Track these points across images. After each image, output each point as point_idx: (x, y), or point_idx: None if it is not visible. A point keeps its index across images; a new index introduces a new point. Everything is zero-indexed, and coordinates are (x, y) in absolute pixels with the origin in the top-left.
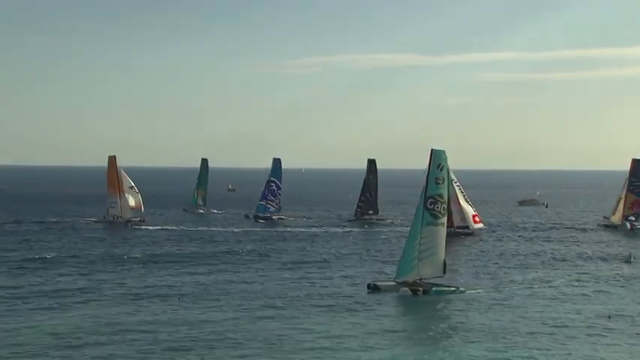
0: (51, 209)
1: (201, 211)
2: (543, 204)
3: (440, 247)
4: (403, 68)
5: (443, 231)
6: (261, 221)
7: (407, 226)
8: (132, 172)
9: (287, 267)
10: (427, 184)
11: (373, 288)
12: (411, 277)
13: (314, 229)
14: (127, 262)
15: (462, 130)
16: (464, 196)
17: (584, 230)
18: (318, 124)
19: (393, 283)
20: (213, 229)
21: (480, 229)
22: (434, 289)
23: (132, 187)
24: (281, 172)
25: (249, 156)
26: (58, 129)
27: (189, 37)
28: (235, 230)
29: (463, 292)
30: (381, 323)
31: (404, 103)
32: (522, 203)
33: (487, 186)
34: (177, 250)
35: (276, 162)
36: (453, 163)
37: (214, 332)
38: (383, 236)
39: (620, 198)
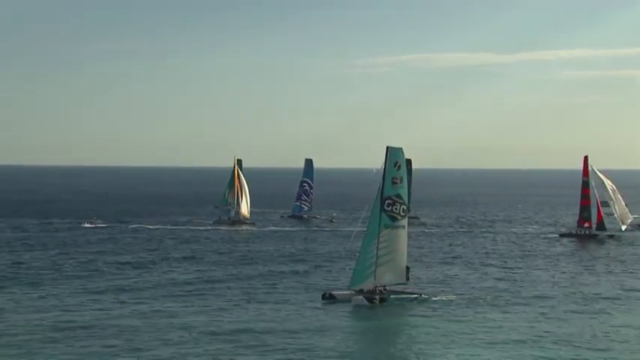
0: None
1: (231, 208)
2: None
3: (400, 252)
4: (476, 67)
5: (403, 234)
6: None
7: (438, 226)
8: (210, 171)
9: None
10: (383, 184)
11: (329, 297)
12: (367, 285)
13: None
14: None
15: (536, 129)
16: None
17: None
18: (388, 123)
19: (351, 292)
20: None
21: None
22: (392, 296)
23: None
24: (313, 172)
25: (319, 155)
26: (134, 129)
27: (261, 37)
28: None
29: (427, 299)
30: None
31: (477, 103)
32: None
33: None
34: None
35: (308, 162)
36: (522, 162)
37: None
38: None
39: None
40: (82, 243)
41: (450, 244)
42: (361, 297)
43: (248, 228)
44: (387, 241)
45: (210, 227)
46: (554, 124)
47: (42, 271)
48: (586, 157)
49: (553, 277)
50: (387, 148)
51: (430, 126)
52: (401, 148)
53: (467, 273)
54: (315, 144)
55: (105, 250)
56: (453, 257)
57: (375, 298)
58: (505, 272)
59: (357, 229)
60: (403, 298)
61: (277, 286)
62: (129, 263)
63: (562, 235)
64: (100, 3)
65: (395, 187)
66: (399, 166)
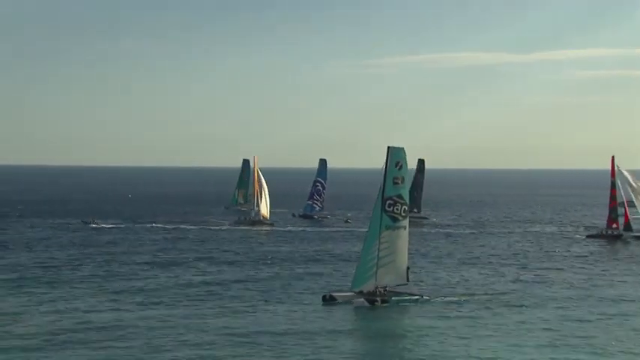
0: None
1: (243, 208)
2: None
3: (401, 253)
4: (489, 67)
5: (404, 234)
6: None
7: (451, 226)
8: (227, 171)
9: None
10: (384, 184)
11: (329, 299)
12: (368, 287)
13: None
14: None
15: (552, 128)
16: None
17: None
18: (402, 123)
19: (351, 294)
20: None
21: None
22: (394, 298)
23: (266, 192)
24: (326, 173)
25: (335, 155)
26: (155, 130)
27: (274, 38)
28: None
29: (427, 300)
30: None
31: (490, 103)
32: None
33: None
34: None
35: (322, 162)
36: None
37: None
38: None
39: None
40: (99, 243)
41: (470, 245)
42: (362, 299)
43: (267, 228)
44: (388, 242)
45: (230, 227)
46: (567, 123)
47: (60, 272)
48: (613, 157)
49: (572, 278)
50: (388, 148)
51: (444, 126)
52: (402, 148)
53: (484, 274)
54: (329, 144)
55: (121, 251)
56: (472, 258)
57: (377, 300)
58: (524, 273)
59: None
60: (404, 300)
61: (289, 286)
62: (146, 263)
63: (589, 237)
64: (110, 3)
65: (396, 188)
66: (401, 166)
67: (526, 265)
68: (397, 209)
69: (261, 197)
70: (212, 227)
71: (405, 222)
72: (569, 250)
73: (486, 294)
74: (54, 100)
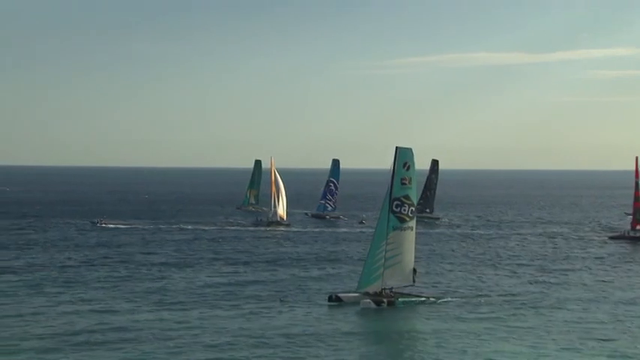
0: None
1: (253, 209)
2: None
3: (408, 254)
4: (510, 67)
5: (411, 235)
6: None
7: (465, 227)
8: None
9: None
10: (392, 185)
11: (335, 300)
12: (374, 288)
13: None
14: None
15: (572, 129)
16: None
17: None
18: (420, 124)
19: (357, 295)
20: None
21: None
22: (400, 299)
23: (282, 194)
24: (339, 173)
25: (349, 156)
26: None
27: (292, 37)
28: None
29: (434, 302)
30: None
31: (511, 103)
32: None
33: None
34: None
35: (335, 163)
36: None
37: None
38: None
39: None
40: (115, 244)
41: (485, 246)
42: (369, 300)
43: (284, 229)
44: (395, 243)
45: (247, 228)
46: (587, 124)
47: (77, 272)
48: (637, 158)
49: (591, 280)
50: (396, 148)
51: (461, 127)
52: (410, 149)
53: (499, 275)
54: (346, 145)
55: (137, 252)
56: (486, 259)
57: (383, 301)
58: (541, 275)
59: None
60: (411, 301)
61: (305, 287)
62: (163, 264)
63: (612, 238)
64: (125, 5)
65: (404, 188)
66: (408, 167)
67: (544, 267)
68: (404, 210)
69: (278, 198)
70: (229, 228)
71: (412, 223)
72: (589, 252)
73: (500, 295)
74: (70, 101)
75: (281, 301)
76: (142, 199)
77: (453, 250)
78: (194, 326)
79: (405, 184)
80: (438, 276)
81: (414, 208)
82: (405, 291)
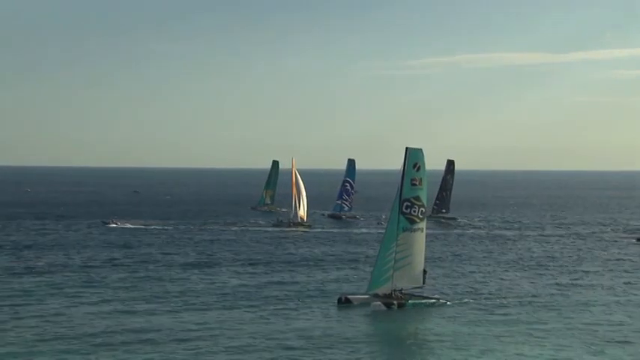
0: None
1: (268, 209)
2: None
3: (418, 255)
4: (531, 67)
5: (421, 237)
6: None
7: (483, 228)
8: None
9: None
10: (402, 185)
11: (344, 302)
12: (385, 289)
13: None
14: None
15: (593, 129)
16: None
17: None
18: (440, 124)
19: (367, 296)
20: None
21: None
22: (410, 301)
23: (303, 195)
24: (355, 173)
25: (369, 157)
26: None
27: (316, 40)
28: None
29: (444, 304)
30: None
31: (532, 103)
32: None
33: None
34: None
35: (351, 163)
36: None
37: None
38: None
39: None
40: (136, 244)
41: (503, 247)
42: (379, 302)
43: (305, 230)
44: (405, 245)
45: (269, 229)
46: (608, 123)
47: (98, 273)
48: None
49: (611, 282)
50: (406, 149)
51: (481, 127)
52: (420, 149)
53: (518, 277)
54: (364, 145)
55: (158, 252)
56: (504, 260)
57: (393, 304)
58: (559, 277)
59: None
60: (421, 303)
61: (322, 289)
62: (182, 265)
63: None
64: (143, 5)
65: (414, 189)
66: (418, 168)
67: (566, 268)
68: (414, 211)
69: (299, 199)
70: (251, 228)
71: (423, 224)
72: (612, 253)
73: (519, 297)
74: (87, 101)
75: (300, 301)
76: (164, 200)
77: (474, 251)
78: (213, 327)
79: (415, 184)
80: (458, 277)
81: (424, 209)
82: (415, 292)
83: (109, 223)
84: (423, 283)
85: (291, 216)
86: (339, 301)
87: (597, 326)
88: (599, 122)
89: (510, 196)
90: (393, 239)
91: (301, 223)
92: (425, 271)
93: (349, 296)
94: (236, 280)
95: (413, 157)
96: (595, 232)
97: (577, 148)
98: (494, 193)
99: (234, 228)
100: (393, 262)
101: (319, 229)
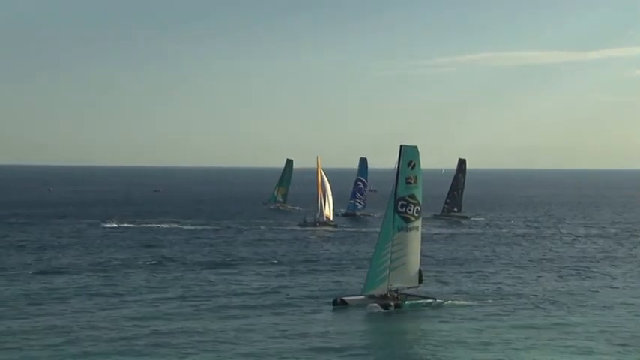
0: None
1: (280, 207)
2: None
3: (413, 255)
4: (547, 66)
5: (417, 236)
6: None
7: (491, 226)
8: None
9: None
10: (397, 184)
11: (340, 303)
12: (380, 290)
13: None
14: None
15: (614, 128)
16: None
17: None
18: (456, 124)
19: (362, 297)
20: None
21: None
22: (407, 302)
23: (329, 194)
24: (367, 172)
25: (384, 156)
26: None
27: (331, 39)
28: None
29: (441, 303)
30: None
31: (550, 102)
32: None
33: None
34: None
35: (363, 161)
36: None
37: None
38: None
39: None
40: (155, 243)
41: (521, 246)
42: (376, 304)
43: (330, 229)
44: (401, 244)
45: (296, 228)
46: (630, 122)
47: (114, 275)
48: None
49: (634, 283)
50: (401, 147)
51: (500, 126)
52: (415, 147)
53: (544, 277)
54: (379, 144)
55: (179, 252)
56: (517, 260)
57: (390, 305)
58: (570, 278)
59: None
60: (418, 303)
61: (342, 289)
62: (201, 264)
63: None
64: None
65: (409, 188)
66: (413, 166)
67: (586, 268)
68: (410, 210)
69: (324, 199)
70: (276, 228)
71: (418, 223)
72: (634, 253)
73: (535, 296)
74: (107, 101)
75: (336, 303)
76: (186, 199)
77: (479, 251)
78: (233, 329)
79: (410, 183)
80: (458, 278)
81: (419, 208)
82: (411, 292)
83: (107, 223)
84: (420, 282)
85: (317, 216)
86: (335, 302)
87: (618, 328)
88: (621, 121)
89: (532, 195)
90: (388, 239)
91: (327, 223)
92: (420, 271)
93: (345, 298)
94: (256, 283)
95: (408, 155)
96: (618, 232)
97: (600, 147)
98: (514, 192)
99: (256, 228)
100: (388, 262)
101: (346, 229)
